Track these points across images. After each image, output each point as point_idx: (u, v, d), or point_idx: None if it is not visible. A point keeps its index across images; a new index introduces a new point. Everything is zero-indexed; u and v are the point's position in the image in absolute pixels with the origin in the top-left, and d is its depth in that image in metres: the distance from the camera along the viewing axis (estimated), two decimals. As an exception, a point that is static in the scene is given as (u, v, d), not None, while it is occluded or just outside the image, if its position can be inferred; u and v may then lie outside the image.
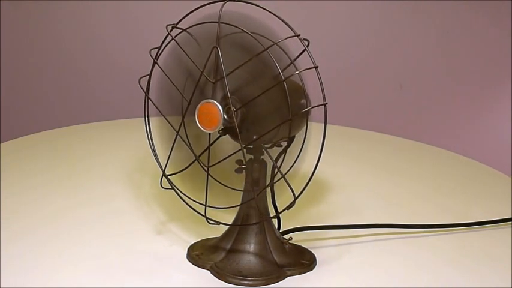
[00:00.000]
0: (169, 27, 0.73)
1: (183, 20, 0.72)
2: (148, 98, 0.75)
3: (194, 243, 0.83)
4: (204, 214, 0.75)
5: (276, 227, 0.82)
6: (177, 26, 0.72)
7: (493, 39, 1.90)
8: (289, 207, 0.71)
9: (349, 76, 1.93)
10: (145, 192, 1.01)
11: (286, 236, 0.81)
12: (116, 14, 1.99)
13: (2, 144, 1.20)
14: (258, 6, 0.71)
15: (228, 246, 0.79)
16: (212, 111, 0.71)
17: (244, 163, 0.75)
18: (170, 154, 0.75)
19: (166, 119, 0.75)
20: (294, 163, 0.75)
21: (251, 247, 0.78)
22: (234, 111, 0.71)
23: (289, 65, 0.72)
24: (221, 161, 0.73)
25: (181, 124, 0.73)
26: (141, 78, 0.74)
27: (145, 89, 0.74)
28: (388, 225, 0.90)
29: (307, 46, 0.70)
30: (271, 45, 0.68)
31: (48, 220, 0.91)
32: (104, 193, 1.01)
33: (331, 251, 0.85)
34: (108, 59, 2.00)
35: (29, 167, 1.12)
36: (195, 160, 0.74)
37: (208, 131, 0.72)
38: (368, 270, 0.82)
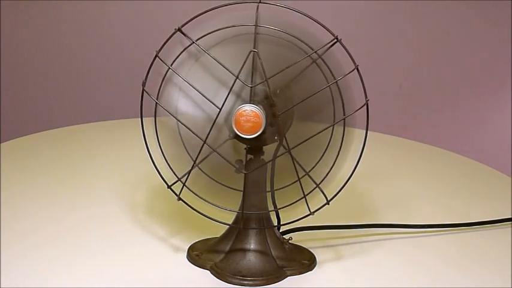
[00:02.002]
0: (183, 35, 0.71)
1: (191, 21, 0.71)
2: (157, 103, 0.73)
3: (194, 243, 0.83)
4: (240, 224, 0.76)
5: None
6: (180, 29, 0.72)
7: (493, 39, 1.90)
8: (324, 205, 0.74)
9: (348, 76, 1.93)
10: (145, 192, 1.01)
11: (286, 236, 0.81)
12: (119, 13, 1.98)
13: (2, 144, 1.20)
14: (284, 7, 0.70)
15: (228, 246, 0.79)
16: (254, 117, 0.69)
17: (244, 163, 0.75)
18: (192, 167, 0.73)
19: (191, 130, 0.72)
20: (330, 170, 0.76)
21: (251, 247, 0.78)
22: (279, 115, 0.70)
23: (311, 64, 0.72)
24: (261, 166, 0.74)
25: (209, 132, 0.71)
26: (144, 82, 0.73)
27: (148, 93, 0.73)
28: (388, 225, 0.90)
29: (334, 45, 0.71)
30: (320, 48, 0.70)
31: (48, 220, 0.91)
32: (104, 193, 1.01)
33: (331, 251, 0.85)
34: (108, 58, 2.00)
35: (29, 167, 1.12)
36: (194, 166, 0.73)
37: (248, 137, 0.70)
38: (368, 270, 0.82)
